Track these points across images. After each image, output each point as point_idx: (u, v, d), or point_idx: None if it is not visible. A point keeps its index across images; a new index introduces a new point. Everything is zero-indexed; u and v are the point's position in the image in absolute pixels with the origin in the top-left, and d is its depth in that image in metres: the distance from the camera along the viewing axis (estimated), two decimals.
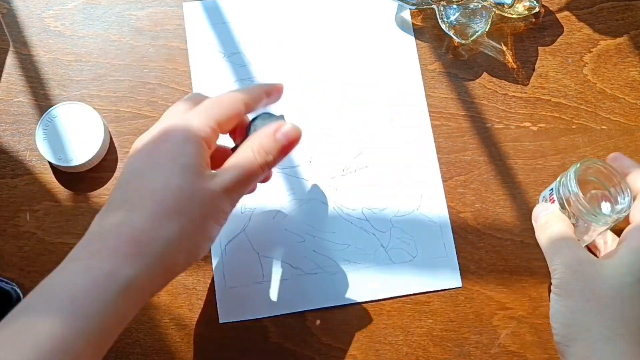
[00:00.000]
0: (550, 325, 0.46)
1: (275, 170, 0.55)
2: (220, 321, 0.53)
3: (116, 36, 0.60)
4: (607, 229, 0.51)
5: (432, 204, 0.56)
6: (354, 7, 0.60)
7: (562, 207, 0.52)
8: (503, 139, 0.57)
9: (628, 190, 0.49)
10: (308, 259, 0.55)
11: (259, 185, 0.51)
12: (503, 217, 0.56)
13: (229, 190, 0.43)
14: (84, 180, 0.57)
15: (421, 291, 0.54)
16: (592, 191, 0.53)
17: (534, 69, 0.59)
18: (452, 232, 0.55)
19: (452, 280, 0.54)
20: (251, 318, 0.53)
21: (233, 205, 0.44)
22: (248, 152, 0.45)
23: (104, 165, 0.57)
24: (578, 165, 0.50)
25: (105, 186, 0.56)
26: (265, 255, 0.55)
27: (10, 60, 0.59)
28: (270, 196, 0.56)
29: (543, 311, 0.54)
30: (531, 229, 0.55)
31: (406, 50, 0.59)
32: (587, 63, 0.59)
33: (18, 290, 0.51)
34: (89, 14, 0.60)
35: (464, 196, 0.56)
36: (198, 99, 0.47)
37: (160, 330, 0.53)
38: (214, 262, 0.54)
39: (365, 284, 0.54)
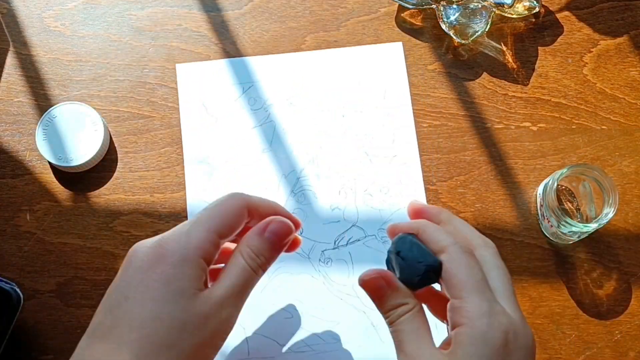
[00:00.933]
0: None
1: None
2: None
3: (116, 36, 0.60)
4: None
5: None
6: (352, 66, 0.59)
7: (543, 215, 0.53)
8: (503, 139, 0.57)
9: (613, 201, 0.50)
10: (296, 336, 0.52)
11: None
12: (503, 217, 0.56)
13: (225, 305, 0.40)
14: (84, 180, 0.57)
15: None
16: (584, 182, 0.54)
17: (534, 69, 0.59)
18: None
19: None
20: None
21: (234, 314, 0.41)
22: (238, 259, 0.42)
23: (104, 165, 0.57)
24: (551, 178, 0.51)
25: (105, 186, 0.56)
26: (252, 331, 0.52)
27: (10, 60, 0.59)
28: None
29: (543, 311, 0.54)
30: (531, 229, 0.55)
31: (395, 56, 0.59)
32: (587, 63, 0.59)
33: (18, 290, 0.51)
34: (89, 14, 0.60)
35: (464, 196, 0.56)
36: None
37: None
38: None
39: None
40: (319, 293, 0.54)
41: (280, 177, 0.56)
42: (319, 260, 0.54)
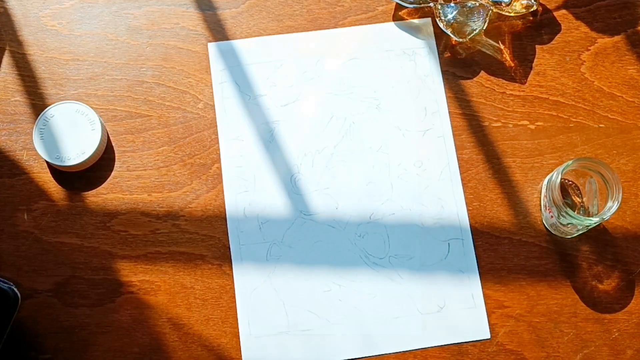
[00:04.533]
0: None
1: (302, 217, 0.55)
2: None
3: (113, 35, 0.60)
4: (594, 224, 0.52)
5: (460, 253, 0.55)
6: (379, 44, 0.59)
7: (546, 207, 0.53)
8: (501, 137, 0.57)
9: (617, 198, 0.50)
10: (334, 308, 0.53)
11: (286, 235, 0.54)
12: (500, 216, 0.56)
13: None
14: (81, 179, 0.56)
15: (448, 343, 0.53)
16: (590, 179, 0.54)
17: (531, 67, 0.59)
18: (480, 279, 0.54)
19: (480, 331, 0.53)
20: None
21: None
22: None
23: (101, 165, 0.57)
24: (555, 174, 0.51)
25: (102, 185, 0.56)
26: (291, 304, 0.54)
27: (7, 59, 0.59)
28: (296, 243, 0.55)
29: (541, 309, 0.54)
30: (529, 227, 0.55)
31: (423, 31, 0.60)
32: (584, 61, 0.59)
33: (15, 289, 0.51)
34: (85, 12, 0.60)
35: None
36: None
37: (157, 329, 0.53)
38: (239, 311, 0.53)
39: (392, 335, 0.53)
40: (355, 266, 0.55)
41: (314, 152, 0.57)
42: (355, 234, 0.55)
